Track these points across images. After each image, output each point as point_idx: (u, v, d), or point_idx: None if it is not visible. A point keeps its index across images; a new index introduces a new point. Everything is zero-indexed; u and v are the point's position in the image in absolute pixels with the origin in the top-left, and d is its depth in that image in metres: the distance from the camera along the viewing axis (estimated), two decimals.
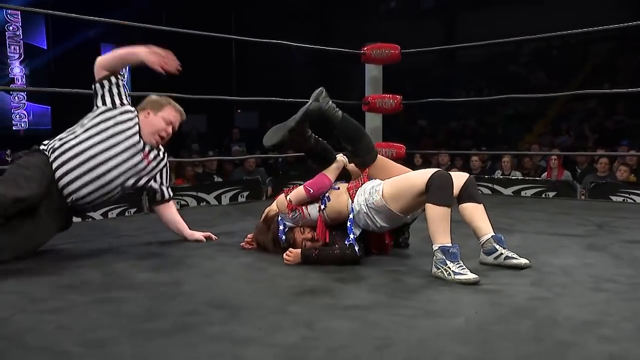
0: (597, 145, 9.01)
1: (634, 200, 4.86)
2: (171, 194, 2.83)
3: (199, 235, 2.80)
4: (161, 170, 2.73)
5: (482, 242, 2.26)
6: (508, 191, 5.70)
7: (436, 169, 2.17)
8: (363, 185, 2.34)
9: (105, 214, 3.84)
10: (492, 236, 2.24)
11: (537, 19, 11.36)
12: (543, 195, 5.49)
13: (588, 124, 10.77)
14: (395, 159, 4.81)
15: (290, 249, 2.32)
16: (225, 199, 5.34)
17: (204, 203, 5.08)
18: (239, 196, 5.55)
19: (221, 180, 6.51)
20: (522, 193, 5.63)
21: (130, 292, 1.90)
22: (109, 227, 3.19)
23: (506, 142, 10.83)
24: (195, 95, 4.24)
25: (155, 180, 2.71)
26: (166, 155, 2.75)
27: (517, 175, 6.82)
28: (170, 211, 2.82)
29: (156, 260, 2.38)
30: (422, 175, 2.14)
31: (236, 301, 1.81)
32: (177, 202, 4.88)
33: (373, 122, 5.05)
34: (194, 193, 5.03)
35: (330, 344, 1.45)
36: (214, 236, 2.83)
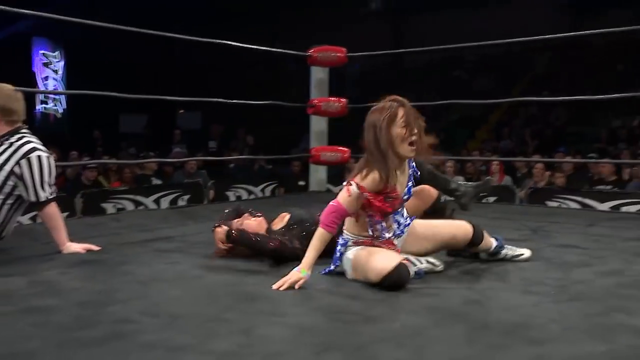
0: (536, 151, 9.40)
1: (568, 205, 5.12)
2: (42, 196, 2.54)
3: (76, 247, 2.57)
4: (21, 164, 2.49)
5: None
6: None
7: (395, 265, 2.02)
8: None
9: (33, 218, 3.72)
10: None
11: (482, 25, 11.76)
12: (484, 200, 5.68)
13: (529, 130, 11.22)
14: (340, 163, 4.90)
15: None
16: (164, 203, 5.28)
17: (142, 207, 5.00)
18: (179, 199, 5.49)
19: (160, 183, 6.41)
20: None
21: (60, 301, 1.86)
22: (37, 232, 3.07)
23: (450, 147, 11.14)
24: (136, 95, 4.16)
25: (25, 185, 2.51)
26: (27, 144, 2.51)
27: (460, 180, 7.03)
28: (44, 218, 2.58)
29: (88, 267, 2.34)
30: (380, 271, 2.02)
31: (172, 309, 1.80)
32: (114, 206, 4.79)
33: (318, 125, 5.12)
34: (132, 196, 4.96)
35: (267, 351, 1.48)
36: (94, 247, 2.60)
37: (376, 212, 2.14)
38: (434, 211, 2.57)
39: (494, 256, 2.46)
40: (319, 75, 4.94)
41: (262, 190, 6.67)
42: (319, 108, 4.76)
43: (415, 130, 2.11)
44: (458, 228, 2.34)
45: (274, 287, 2.01)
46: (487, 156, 9.16)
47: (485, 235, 2.40)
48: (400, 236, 2.25)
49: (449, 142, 11.71)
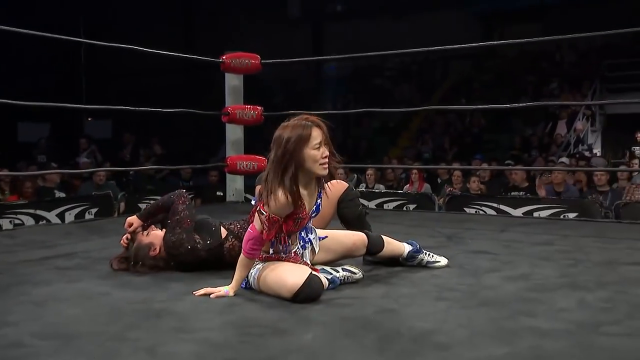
0: (455, 158, 9.79)
1: (485, 212, 5.37)
2: None
3: None
4: None
5: None
6: (372, 204, 6.02)
7: (306, 279, 2.03)
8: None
9: None
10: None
11: (402, 34, 12.17)
12: (404, 208, 5.86)
13: (448, 138, 11.66)
14: (257, 172, 4.89)
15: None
16: (69, 217, 5.07)
17: (44, 221, 4.78)
18: (87, 213, 5.29)
19: (64, 195, 6.15)
20: (385, 206, 5.98)
21: None
22: None
23: (372, 155, 11.39)
24: (37, 102, 3.97)
25: None
26: None
27: (381, 188, 7.22)
28: None
29: None
30: (292, 287, 2.04)
31: (70, 329, 1.74)
32: (11, 222, 4.54)
33: (234, 134, 5.10)
34: (31, 211, 4.73)
35: None
36: None
37: (285, 234, 2.16)
38: (345, 202, 2.61)
39: (410, 261, 2.57)
40: (233, 82, 4.92)
41: None
42: (233, 116, 4.73)
43: (327, 153, 2.13)
44: (356, 236, 2.42)
45: (193, 292, 2.13)
46: (408, 164, 9.46)
47: (392, 242, 2.51)
48: (305, 248, 2.28)
49: (371, 150, 12.01)
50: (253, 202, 2.20)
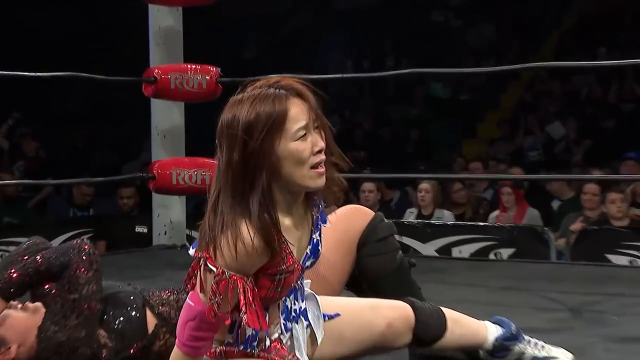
0: (587, 160, 9.74)
1: None
2: None
3: None
4: None
5: None
6: (429, 249, 5.99)
7: None
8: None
9: None
10: None
11: None
12: (491, 255, 5.84)
13: (574, 122, 11.60)
14: (209, 188, 4.90)
15: None
16: None
17: None
18: None
19: None
20: (455, 251, 5.96)
21: None
22: None
23: (427, 155, 11.35)
24: None
25: None
26: None
27: (445, 216, 7.17)
28: None
29: None
30: None
31: None
32: None
33: (166, 119, 5.14)
34: None
35: None
36: None
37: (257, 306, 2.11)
38: (372, 244, 2.65)
39: (500, 355, 2.54)
40: (163, 21, 4.96)
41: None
42: (165, 85, 4.74)
43: (321, 144, 2.08)
44: (394, 310, 2.41)
45: None
46: (498, 170, 9.39)
47: (465, 321, 2.51)
48: (296, 329, 2.26)
49: (427, 145, 11.98)
50: (191, 252, 2.14)
